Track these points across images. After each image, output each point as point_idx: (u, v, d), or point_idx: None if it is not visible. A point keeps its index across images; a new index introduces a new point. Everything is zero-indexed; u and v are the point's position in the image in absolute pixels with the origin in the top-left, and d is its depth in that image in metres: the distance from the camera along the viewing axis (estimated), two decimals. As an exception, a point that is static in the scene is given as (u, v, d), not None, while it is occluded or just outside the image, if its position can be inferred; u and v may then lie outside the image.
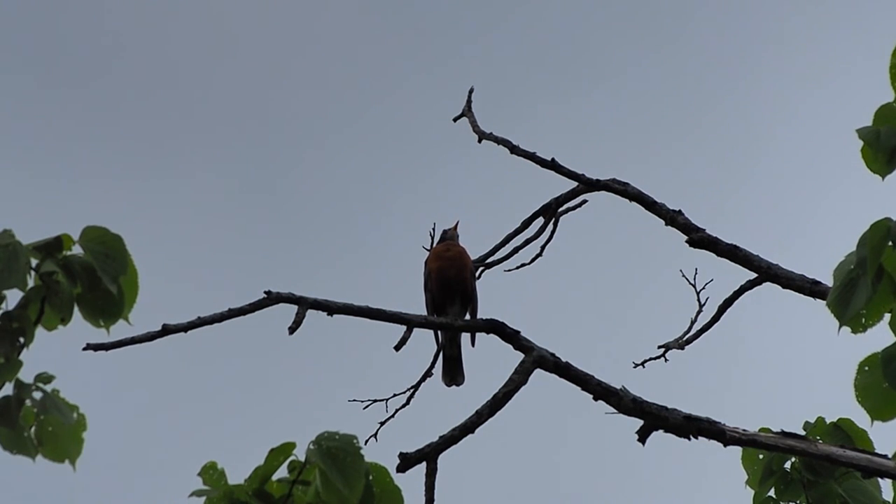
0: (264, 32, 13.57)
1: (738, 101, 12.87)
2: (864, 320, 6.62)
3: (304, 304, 6.74)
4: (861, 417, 6.84)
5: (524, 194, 8.11)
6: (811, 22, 12.82)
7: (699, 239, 7.49)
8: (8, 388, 7.23)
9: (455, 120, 7.95)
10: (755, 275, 7.48)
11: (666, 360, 7.55)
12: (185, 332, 6.79)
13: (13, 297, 7.15)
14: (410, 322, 6.99)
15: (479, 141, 7.84)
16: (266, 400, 10.63)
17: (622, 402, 6.67)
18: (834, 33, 12.67)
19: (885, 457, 6.77)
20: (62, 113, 12.83)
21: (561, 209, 7.80)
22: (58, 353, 7.24)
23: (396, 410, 7.39)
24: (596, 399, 6.72)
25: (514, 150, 7.73)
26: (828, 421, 7.50)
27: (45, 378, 7.33)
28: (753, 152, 12.43)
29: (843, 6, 12.47)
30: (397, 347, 7.13)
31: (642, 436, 6.68)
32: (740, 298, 7.58)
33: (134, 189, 12.48)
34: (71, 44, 13.24)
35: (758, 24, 13.08)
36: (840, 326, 6.61)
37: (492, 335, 6.93)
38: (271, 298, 6.76)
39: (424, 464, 6.58)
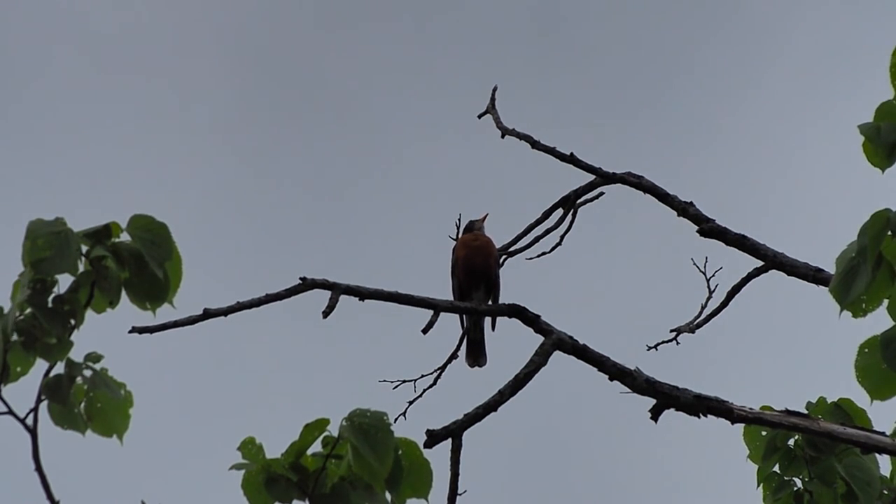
0: (291, 26, 13.65)
1: (746, 99, 12.88)
2: (864, 305, 6.75)
3: (338, 290, 6.82)
4: (860, 397, 7.02)
5: (544, 187, 8.08)
6: (815, 21, 12.88)
7: (709, 229, 7.57)
8: (59, 367, 7.25)
9: (479, 117, 8.02)
10: (762, 263, 7.54)
11: (677, 343, 7.65)
12: (226, 315, 6.82)
13: (64, 281, 7.21)
14: (437, 307, 7.09)
15: (503, 136, 7.91)
16: (301, 379, 10.47)
17: (636, 382, 6.79)
18: (836, 34, 12.73)
19: (882, 434, 6.83)
20: (102, 107, 12.96)
21: (579, 201, 7.85)
22: (106, 335, 7.45)
23: (424, 390, 7.46)
24: (611, 379, 6.83)
25: (536, 144, 7.81)
26: (829, 400, 7.59)
27: (94, 357, 7.29)
28: (762, 149, 12.43)
29: (847, 6, 12.57)
30: (425, 331, 7.28)
31: (655, 414, 6.79)
32: (748, 285, 7.66)
33: (175, 180, 12.57)
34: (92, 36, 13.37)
35: (764, 23, 13.13)
36: (841, 311, 6.74)
37: (514, 319, 6.99)
38: (306, 284, 6.84)
39: (450, 440, 6.69)
